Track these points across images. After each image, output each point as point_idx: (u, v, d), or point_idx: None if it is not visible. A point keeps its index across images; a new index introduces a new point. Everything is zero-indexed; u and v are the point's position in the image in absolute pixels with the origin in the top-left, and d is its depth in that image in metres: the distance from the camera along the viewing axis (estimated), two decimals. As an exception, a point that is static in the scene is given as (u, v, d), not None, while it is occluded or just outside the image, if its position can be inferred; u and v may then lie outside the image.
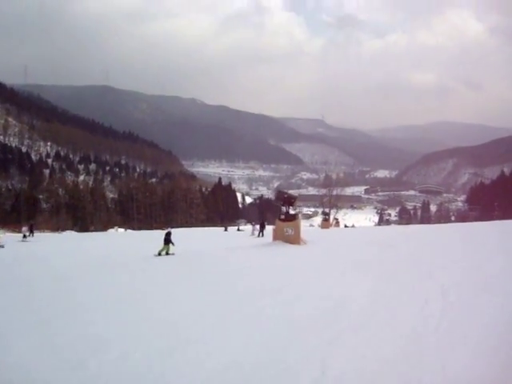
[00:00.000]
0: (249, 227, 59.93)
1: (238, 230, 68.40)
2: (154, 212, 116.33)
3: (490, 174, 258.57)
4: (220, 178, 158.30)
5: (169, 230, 25.10)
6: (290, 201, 26.61)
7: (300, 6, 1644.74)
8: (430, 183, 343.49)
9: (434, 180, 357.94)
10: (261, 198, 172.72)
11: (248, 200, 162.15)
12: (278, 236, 25.05)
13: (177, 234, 27.44)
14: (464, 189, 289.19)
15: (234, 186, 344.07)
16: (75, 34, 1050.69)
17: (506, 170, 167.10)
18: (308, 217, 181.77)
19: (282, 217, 25.72)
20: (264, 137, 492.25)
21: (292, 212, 26.68)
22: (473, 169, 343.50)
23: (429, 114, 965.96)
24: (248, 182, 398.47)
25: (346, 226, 67.26)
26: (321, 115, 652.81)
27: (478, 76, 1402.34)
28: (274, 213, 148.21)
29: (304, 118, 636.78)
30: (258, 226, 44.09)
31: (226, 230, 69.30)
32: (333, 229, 57.57)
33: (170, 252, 23.57)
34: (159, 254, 23.40)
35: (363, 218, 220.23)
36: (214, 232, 63.60)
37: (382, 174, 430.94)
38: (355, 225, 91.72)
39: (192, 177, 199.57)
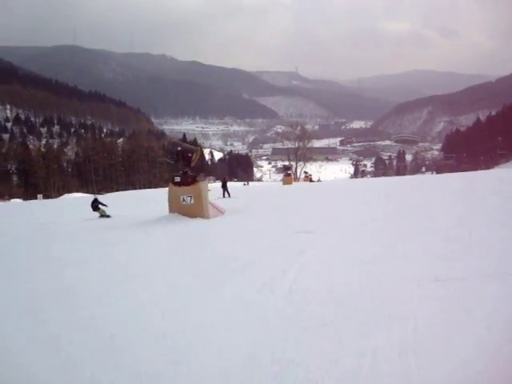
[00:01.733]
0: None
1: None
2: (113, 173, 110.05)
3: (466, 121, 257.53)
4: (184, 134, 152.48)
5: (95, 197, 24.40)
6: (187, 155, 17.55)
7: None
8: (405, 133, 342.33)
9: (410, 129, 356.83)
10: (230, 153, 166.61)
11: (217, 156, 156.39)
12: (174, 206, 17.60)
13: (128, 196, 23.51)
14: (440, 137, 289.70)
15: (208, 142, 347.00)
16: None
17: (482, 117, 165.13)
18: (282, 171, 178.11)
19: (177, 179, 17.67)
20: (238, 91, 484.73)
21: (191, 172, 17.84)
22: (448, 117, 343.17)
23: (403, 63, 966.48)
24: (223, 137, 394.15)
25: (311, 181, 61.38)
26: (295, 67, 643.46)
27: (452, 23, 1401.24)
28: (246, 168, 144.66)
29: (278, 71, 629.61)
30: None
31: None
32: (297, 184, 52.67)
33: (105, 214, 22.41)
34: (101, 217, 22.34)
35: (338, 170, 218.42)
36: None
37: (357, 124, 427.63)
38: (323, 178, 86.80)
39: (161, 134, 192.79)
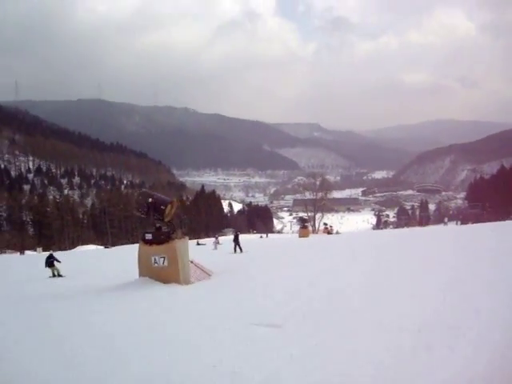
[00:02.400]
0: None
1: (198, 244, 55.34)
2: (129, 225, 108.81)
3: (489, 169, 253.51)
4: (203, 186, 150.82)
5: (50, 252, 24.10)
6: (159, 208, 14.41)
7: (291, 12, 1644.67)
8: (427, 182, 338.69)
9: (432, 178, 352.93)
10: (249, 204, 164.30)
11: (237, 208, 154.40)
12: (144, 269, 14.33)
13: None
14: (463, 186, 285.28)
15: (230, 193, 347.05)
16: (67, 49, 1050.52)
17: (506, 165, 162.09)
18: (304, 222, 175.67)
19: (148, 236, 14.53)
20: (259, 143, 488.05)
21: (165, 227, 14.77)
22: (470, 165, 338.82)
23: (423, 112, 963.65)
24: (244, 189, 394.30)
25: (329, 233, 58.18)
26: (316, 119, 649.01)
27: (471, 73, 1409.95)
28: (265, 220, 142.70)
29: (299, 123, 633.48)
30: (219, 239, 37.17)
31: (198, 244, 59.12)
32: (314, 237, 50.28)
33: (60, 273, 22.22)
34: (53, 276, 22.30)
35: (361, 221, 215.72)
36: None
37: (379, 175, 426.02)
38: (344, 230, 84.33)
39: (181, 186, 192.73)
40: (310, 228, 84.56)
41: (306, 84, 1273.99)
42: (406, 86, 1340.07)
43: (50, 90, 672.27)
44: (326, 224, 73.66)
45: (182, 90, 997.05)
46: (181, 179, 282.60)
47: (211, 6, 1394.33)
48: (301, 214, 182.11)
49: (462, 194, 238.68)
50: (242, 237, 36.14)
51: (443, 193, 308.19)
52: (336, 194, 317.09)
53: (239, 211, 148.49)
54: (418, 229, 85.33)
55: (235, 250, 31.36)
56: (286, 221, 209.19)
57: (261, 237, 68.38)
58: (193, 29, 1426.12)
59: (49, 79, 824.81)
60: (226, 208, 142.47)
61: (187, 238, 16.03)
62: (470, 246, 17.96)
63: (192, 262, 15.83)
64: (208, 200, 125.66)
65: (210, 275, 15.64)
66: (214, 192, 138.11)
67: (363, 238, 33.43)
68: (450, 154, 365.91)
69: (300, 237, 48.28)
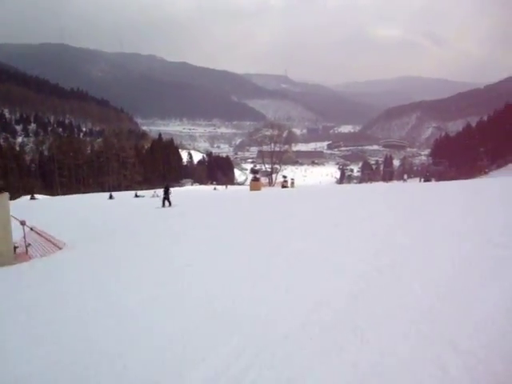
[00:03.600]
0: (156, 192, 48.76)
1: (136, 196, 52.59)
2: (80, 174, 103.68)
3: (454, 127, 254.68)
4: (160, 134, 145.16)
5: None
6: None
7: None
8: (393, 137, 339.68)
9: (398, 135, 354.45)
10: (210, 155, 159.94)
11: (197, 158, 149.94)
12: None
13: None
14: (428, 143, 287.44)
15: (195, 143, 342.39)
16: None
17: (472, 123, 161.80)
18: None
19: None
20: (227, 93, 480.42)
21: None
22: (436, 123, 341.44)
23: (393, 68, 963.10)
24: (210, 139, 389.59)
25: (283, 187, 54.58)
26: (284, 70, 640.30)
27: (442, 30, 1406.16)
28: (227, 172, 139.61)
29: (268, 74, 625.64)
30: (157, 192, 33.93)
31: (136, 195, 54.07)
32: (268, 190, 47.12)
33: None
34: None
35: (325, 174, 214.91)
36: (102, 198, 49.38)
37: (345, 129, 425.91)
38: (305, 183, 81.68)
39: (143, 135, 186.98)
40: (265, 180, 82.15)
41: (276, 34, 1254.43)
42: (377, 41, 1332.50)
43: (9, 33, 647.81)
44: (284, 177, 70.06)
45: (150, 38, 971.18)
46: (145, 128, 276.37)
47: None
48: (266, 166, 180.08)
49: (427, 151, 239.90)
50: (195, 187, 33.19)
51: (408, 149, 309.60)
52: (301, 147, 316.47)
53: (199, 161, 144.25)
54: (378, 184, 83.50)
55: (163, 204, 28.18)
56: (249, 172, 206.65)
57: (214, 189, 64.62)
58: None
59: (9, 22, 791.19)
60: (185, 158, 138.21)
61: (5, 194, 11.51)
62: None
63: (32, 229, 12.09)
64: (166, 149, 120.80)
65: (60, 248, 11.84)
66: (172, 141, 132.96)
67: (314, 194, 30.34)
68: (416, 111, 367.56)
69: (251, 190, 44.89)
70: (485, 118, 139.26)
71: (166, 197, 28.53)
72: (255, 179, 50.89)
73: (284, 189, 49.37)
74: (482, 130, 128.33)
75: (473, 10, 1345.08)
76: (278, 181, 77.19)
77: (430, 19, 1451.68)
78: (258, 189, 45.29)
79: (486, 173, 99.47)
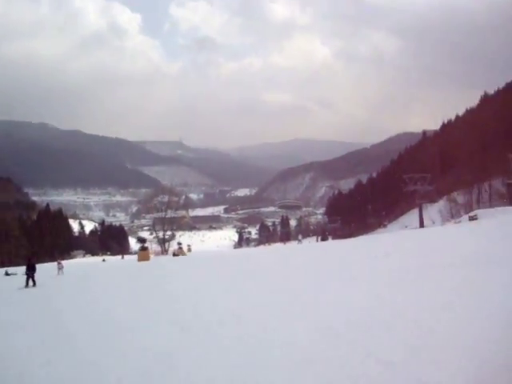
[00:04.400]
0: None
1: (7, 274, 43.45)
2: None
3: (346, 185, 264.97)
4: (48, 204, 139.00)
5: None
6: None
7: (156, 30, 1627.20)
8: (288, 198, 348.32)
9: (293, 195, 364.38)
10: (102, 224, 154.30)
11: (90, 227, 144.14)
12: None
13: None
14: (322, 201, 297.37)
15: (90, 213, 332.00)
16: None
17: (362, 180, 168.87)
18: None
19: None
20: (121, 161, 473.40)
21: None
22: (329, 182, 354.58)
23: (285, 131, 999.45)
24: (105, 208, 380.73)
25: (174, 255, 51.88)
26: (179, 137, 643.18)
27: (328, 95, 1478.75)
28: (121, 240, 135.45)
29: (163, 141, 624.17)
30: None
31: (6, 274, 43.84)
32: (156, 259, 45.34)
33: None
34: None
35: (223, 238, 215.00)
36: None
37: (242, 192, 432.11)
38: (203, 249, 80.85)
39: (31, 205, 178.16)
40: (156, 249, 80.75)
41: (171, 102, 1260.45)
42: (268, 106, 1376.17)
43: None
44: (179, 243, 68.52)
45: (40, 105, 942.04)
46: (36, 198, 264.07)
47: (74, 19, 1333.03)
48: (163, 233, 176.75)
49: (322, 210, 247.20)
50: (86, 259, 30.48)
51: (304, 209, 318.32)
52: (199, 212, 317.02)
53: (91, 231, 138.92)
54: (274, 246, 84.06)
55: (27, 284, 24.44)
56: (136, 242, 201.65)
57: (103, 260, 61.32)
58: (54, 41, 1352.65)
59: None
60: (75, 228, 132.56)
61: None
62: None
63: None
64: (54, 220, 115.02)
65: None
66: (60, 210, 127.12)
67: (202, 262, 29.44)
68: (309, 171, 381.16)
69: (139, 260, 42.50)
70: (374, 174, 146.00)
71: (30, 274, 24.67)
72: (143, 248, 48.80)
73: (175, 257, 47.55)
74: (372, 185, 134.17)
75: (356, 78, 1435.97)
76: (173, 248, 75.81)
77: (317, 85, 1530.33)
78: (147, 258, 43.34)
79: (384, 226, 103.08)
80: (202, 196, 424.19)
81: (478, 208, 67.55)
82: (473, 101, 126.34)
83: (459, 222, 45.08)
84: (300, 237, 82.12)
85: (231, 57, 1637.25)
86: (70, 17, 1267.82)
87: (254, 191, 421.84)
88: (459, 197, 77.99)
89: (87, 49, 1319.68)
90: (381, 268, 14.68)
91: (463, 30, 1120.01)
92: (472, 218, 44.06)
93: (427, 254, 17.24)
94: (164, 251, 74.68)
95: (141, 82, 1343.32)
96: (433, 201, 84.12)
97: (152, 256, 53.76)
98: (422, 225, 65.51)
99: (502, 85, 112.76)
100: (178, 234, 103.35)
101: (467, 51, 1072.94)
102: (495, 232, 22.21)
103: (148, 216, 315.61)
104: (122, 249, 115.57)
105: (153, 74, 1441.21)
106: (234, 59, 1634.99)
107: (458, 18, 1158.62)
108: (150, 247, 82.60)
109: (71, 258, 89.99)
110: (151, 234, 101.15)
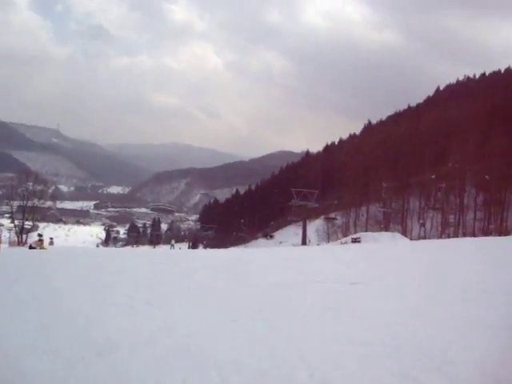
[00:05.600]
0: None
1: None
2: None
3: (221, 195, 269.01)
4: None
5: None
6: None
7: (47, 9, 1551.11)
8: (162, 201, 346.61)
9: (167, 199, 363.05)
10: None
11: None
12: None
13: None
14: (196, 208, 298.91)
15: None
16: None
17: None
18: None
19: None
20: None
21: None
22: (204, 189, 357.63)
23: (169, 134, 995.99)
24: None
25: (30, 247, 48.75)
26: (57, 124, 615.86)
27: (214, 104, 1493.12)
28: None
29: (39, 126, 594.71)
30: None
31: None
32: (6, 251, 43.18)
33: None
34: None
35: (89, 234, 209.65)
36: None
37: (115, 189, 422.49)
38: (67, 244, 78.30)
39: None
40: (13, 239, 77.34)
41: (53, 88, 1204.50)
42: (154, 107, 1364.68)
43: None
44: (40, 235, 65.74)
45: None
46: None
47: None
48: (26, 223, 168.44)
49: (194, 217, 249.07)
50: None
51: (176, 214, 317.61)
52: (68, 205, 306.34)
53: None
54: (143, 249, 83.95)
55: None
56: (5, 228, 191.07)
57: None
58: None
59: None
60: None
61: None
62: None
63: None
64: None
65: None
66: None
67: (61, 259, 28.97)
68: (186, 177, 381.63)
69: None
70: (253, 186, 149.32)
71: None
72: None
73: (31, 250, 45.51)
74: (249, 197, 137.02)
75: (243, 92, 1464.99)
76: (33, 240, 73.28)
77: (205, 93, 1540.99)
78: None
79: (271, 237, 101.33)
80: (72, 189, 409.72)
81: (355, 231, 71.89)
82: (352, 130, 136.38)
83: (345, 242, 47.56)
84: (173, 241, 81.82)
85: (123, 51, 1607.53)
86: None
87: (127, 190, 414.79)
88: (337, 218, 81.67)
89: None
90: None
91: (351, 63, 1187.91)
92: (355, 240, 46.29)
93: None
94: (20, 242, 71.94)
95: (23, 61, 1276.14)
96: (313, 218, 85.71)
97: (3, 246, 51.54)
98: (304, 242, 65.04)
99: (383, 117, 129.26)
100: (42, 225, 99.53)
101: (352, 83, 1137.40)
102: (379, 254, 23.32)
103: (14, 203, 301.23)
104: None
105: (37, 55, 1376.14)
106: (126, 55, 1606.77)
107: (348, 51, 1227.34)
108: (5, 235, 78.35)
109: None
110: (12, 221, 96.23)
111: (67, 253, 39.02)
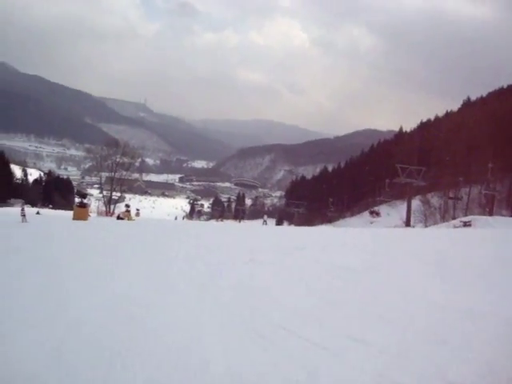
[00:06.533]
0: None
1: None
2: None
3: (304, 172, 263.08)
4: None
5: None
6: None
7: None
8: (246, 177, 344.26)
9: (250, 174, 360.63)
10: (49, 173, 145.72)
11: (35, 176, 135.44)
12: None
13: None
14: (279, 185, 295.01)
15: (40, 163, 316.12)
16: None
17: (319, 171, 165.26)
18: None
19: None
20: (80, 114, 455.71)
21: None
22: (288, 166, 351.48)
23: (252, 110, 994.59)
24: (57, 160, 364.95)
25: (118, 218, 44.72)
26: (144, 99, 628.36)
27: (299, 81, 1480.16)
28: (66, 194, 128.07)
29: (126, 101, 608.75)
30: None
31: None
32: (97, 220, 39.27)
33: None
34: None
35: (174, 207, 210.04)
36: None
37: (199, 164, 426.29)
38: (148, 215, 75.25)
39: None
40: (101, 209, 75.49)
41: (141, 63, 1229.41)
42: (239, 83, 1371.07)
43: None
44: (127, 206, 61.63)
45: (3, 44, 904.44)
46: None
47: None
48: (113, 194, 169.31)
49: (278, 193, 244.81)
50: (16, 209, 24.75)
51: (260, 189, 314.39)
52: (153, 178, 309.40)
53: (35, 181, 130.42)
54: (230, 224, 78.52)
55: None
56: (94, 198, 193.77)
57: (37, 213, 53.08)
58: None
59: None
60: (18, 174, 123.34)
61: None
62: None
63: None
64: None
65: None
66: (2, 154, 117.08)
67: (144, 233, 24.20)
68: (270, 153, 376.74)
69: (74, 218, 35.59)
70: (337, 164, 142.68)
71: None
72: (81, 205, 40.47)
73: (119, 220, 41.22)
74: (338, 175, 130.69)
75: (329, 68, 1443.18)
76: (120, 210, 69.30)
77: (291, 70, 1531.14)
78: (84, 218, 36.02)
79: (377, 215, 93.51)
80: (158, 162, 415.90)
81: (455, 214, 64.20)
82: (442, 108, 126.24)
83: (459, 226, 41.12)
84: (265, 217, 75.07)
85: (209, 27, 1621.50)
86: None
87: (211, 165, 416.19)
88: (434, 199, 73.79)
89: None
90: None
91: (445, 39, 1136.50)
92: (466, 224, 40.44)
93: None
94: (108, 212, 68.98)
95: (113, 39, 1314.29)
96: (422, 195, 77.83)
97: (92, 215, 47.33)
98: (408, 223, 58.86)
99: (483, 93, 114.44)
100: (129, 196, 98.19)
101: (444, 60, 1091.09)
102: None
103: (102, 174, 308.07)
104: (66, 202, 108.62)
105: (126, 32, 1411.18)
106: (212, 30, 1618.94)
107: (442, 27, 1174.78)
108: (93, 205, 77.13)
109: (8, 205, 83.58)
110: (100, 192, 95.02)
111: (156, 224, 34.22)
